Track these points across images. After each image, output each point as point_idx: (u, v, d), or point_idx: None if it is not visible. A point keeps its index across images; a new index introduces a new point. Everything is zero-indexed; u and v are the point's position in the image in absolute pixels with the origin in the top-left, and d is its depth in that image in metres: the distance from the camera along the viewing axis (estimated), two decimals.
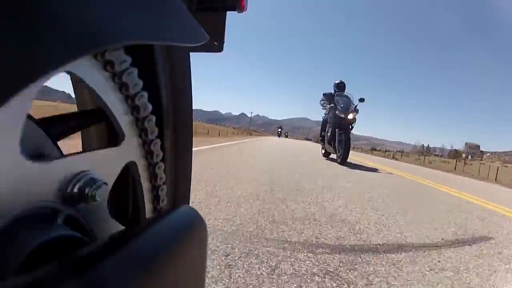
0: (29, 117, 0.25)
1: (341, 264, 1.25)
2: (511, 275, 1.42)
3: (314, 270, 1.16)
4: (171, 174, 0.44)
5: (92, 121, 0.36)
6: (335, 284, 1.06)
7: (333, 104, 7.06)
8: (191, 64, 0.46)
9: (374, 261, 1.33)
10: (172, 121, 0.42)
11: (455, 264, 1.45)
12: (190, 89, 0.46)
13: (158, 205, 0.40)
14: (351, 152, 6.75)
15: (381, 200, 2.88)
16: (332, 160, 7.09)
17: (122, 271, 0.20)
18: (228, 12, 0.57)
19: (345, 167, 5.78)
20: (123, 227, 0.33)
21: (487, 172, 13.15)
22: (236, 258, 1.16)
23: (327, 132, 7.27)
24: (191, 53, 0.47)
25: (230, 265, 1.10)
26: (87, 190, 0.25)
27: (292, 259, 1.23)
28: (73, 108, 0.40)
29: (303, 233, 1.59)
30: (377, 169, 6.69)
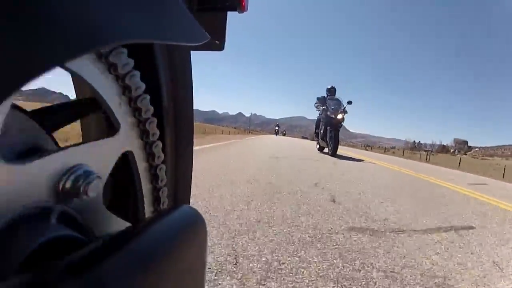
0: (19, 109, 0.25)
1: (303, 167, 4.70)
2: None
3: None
4: (172, 174, 0.44)
5: (87, 111, 0.35)
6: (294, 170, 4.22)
7: (325, 107, 8.55)
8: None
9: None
10: (172, 120, 0.42)
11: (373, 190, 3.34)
12: (191, 88, 0.46)
13: (159, 206, 0.40)
14: (346, 148, 9.61)
15: (350, 172, 4.90)
16: (325, 153, 8.63)
17: (122, 271, 0.20)
18: (228, 12, 0.57)
19: (334, 158, 7.42)
20: (121, 222, 0.33)
21: (453, 162, 16.54)
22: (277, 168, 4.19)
23: (320, 130, 8.80)
24: (193, 53, 0.47)
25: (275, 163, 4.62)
26: (79, 184, 0.25)
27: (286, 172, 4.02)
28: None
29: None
30: (362, 160, 8.30)
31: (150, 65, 0.38)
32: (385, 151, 30.73)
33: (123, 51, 0.30)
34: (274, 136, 36.05)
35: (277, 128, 45.96)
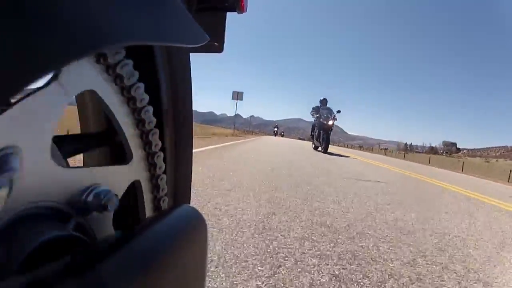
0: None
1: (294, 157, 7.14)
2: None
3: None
4: (172, 175, 0.44)
5: (101, 143, 0.38)
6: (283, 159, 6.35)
7: (319, 114, 11.07)
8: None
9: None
10: (172, 122, 0.42)
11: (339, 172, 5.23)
12: (190, 90, 0.46)
13: (159, 206, 0.40)
14: (340, 148, 11.85)
15: (332, 162, 6.93)
16: (319, 151, 10.96)
17: (123, 271, 0.20)
18: (228, 13, 0.57)
19: (325, 154, 9.70)
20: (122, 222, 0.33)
21: (423, 159, 20.66)
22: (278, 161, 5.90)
23: (315, 133, 11.31)
24: (190, 54, 0.47)
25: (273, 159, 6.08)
26: (100, 199, 0.26)
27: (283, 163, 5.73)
28: (74, 109, 0.40)
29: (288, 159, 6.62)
30: (348, 156, 10.67)
31: (150, 67, 0.38)
32: (372, 150, 36.60)
33: (139, 86, 0.32)
34: (273, 137, 36.45)
35: (276, 129, 46.37)
